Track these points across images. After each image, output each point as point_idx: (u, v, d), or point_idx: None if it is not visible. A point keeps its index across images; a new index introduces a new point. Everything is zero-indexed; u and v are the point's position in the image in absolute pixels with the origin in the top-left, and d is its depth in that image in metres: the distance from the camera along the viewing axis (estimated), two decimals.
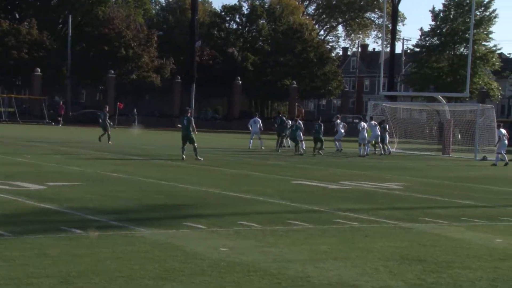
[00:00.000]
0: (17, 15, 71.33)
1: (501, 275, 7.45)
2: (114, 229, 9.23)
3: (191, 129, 22.46)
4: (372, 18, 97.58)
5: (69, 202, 11.54)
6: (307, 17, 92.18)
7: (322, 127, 30.64)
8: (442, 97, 39.36)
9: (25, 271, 6.64)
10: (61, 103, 59.40)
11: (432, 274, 7.33)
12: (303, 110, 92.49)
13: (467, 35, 59.31)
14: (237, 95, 70.95)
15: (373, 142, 32.13)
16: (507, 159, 27.77)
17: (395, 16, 65.96)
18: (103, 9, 69.98)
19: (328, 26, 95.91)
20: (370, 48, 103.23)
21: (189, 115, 23.11)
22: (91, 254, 7.56)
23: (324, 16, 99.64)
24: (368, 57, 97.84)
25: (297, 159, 26.75)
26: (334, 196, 14.26)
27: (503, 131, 28.80)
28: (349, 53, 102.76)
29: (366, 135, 30.80)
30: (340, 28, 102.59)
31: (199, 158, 22.34)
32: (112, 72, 63.68)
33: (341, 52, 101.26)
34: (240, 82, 69.75)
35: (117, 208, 11.21)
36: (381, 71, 40.18)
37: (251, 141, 32.56)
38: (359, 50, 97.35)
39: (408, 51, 78.61)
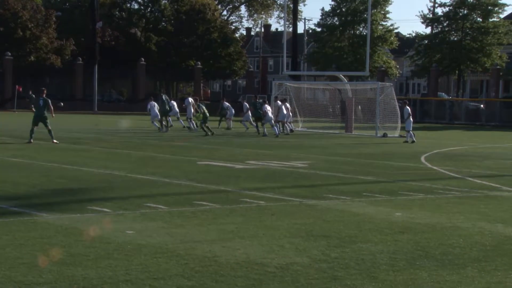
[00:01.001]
0: None
1: (400, 248, 7.77)
2: (15, 215, 8.96)
3: (45, 111, 21.84)
4: None
5: None
6: None
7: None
8: (344, 76, 40.30)
9: None
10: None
11: (336, 249, 7.56)
12: (209, 91, 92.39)
13: (365, 15, 60.82)
14: (141, 76, 69.87)
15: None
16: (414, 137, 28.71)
17: None
18: None
19: (231, 6, 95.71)
20: (273, 28, 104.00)
21: (44, 95, 22.38)
22: None
23: None
24: (271, 37, 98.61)
25: (203, 139, 26.75)
26: (240, 176, 14.38)
27: (409, 109, 29.95)
28: (252, 33, 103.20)
29: (270, 115, 31.25)
30: (243, 8, 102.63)
31: (55, 141, 21.68)
32: (9, 54, 61.23)
33: (244, 33, 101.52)
34: (144, 63, 68.76)
35: (19, 194, 10.87)
36: (284, 51, 40.63)
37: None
38: (262, 30, 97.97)
39: (310, 31, 79.85)
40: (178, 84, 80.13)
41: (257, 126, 31.44)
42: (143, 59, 68.87)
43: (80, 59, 66.09)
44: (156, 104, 31.77)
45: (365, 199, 11.58)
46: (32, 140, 21.49)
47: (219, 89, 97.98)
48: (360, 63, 60.05)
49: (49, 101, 22.08)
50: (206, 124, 29.19)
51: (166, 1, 76.65)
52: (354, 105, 36.75)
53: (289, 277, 6.36)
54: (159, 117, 31.28)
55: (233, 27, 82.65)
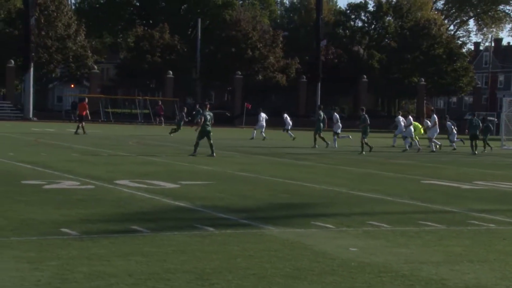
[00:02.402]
0: (150, 21, 74.53)
1: None
2: (244, 227, 9.38)
3: (209, 124, 22.22)
4: (507, 11, 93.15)
5: (201, 200, 11.87)
6: (436, 12, 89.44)
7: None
8: None
9: (162, 267, 6.89)
10: (160, 103, 60.00)
11: None
12: (432, 108, 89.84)
13: None
14: (363, 93, 70.12)
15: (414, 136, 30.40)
16: None
17: None
18: (230, 12, 71.65)
19: (459, 20, 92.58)
20: (504, 42, 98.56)
21: (207, 109, 22.94)
22: (223, 251, 7.72)
23: (454, 10, 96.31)
24: (502, 52, 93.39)
25: (427, 157, 25.98)
26: (467, 197, 13.71)
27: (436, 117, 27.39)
28: (481, 48, 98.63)
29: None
30: (471, 22, 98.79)
31: (214, 155, 21.96)
32: (239, 73, 64.95)
33: (472, 47, 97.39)
34: (366, 80, 68.88)
35: (246, 207, 11.39)
36: None
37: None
38: (492, 44, 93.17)
39: None
40: (401, 101, 79.06)
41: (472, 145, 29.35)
42: (365, 76, 69.07)
43: (304, 77, 68.08)
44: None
45: None
46: (195, 154, 21.94)
47: (443, 106, 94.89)
48: None
49: (211, 115, 22.59)
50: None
51: (390, 18, 76.23)
52: None
53: None
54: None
55: (460, 42, 79.77)
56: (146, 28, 67.15)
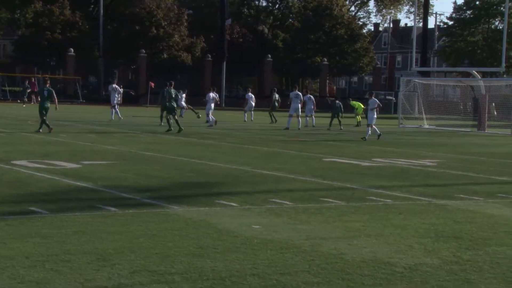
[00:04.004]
0: None
1: None
2: (148, 206, 9.31)
3: (48, 101, 22.13)
4: None
5: (104, 180, 11.67)
6: None
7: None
8: (477, 72, 38.70)
9: (62, 248, 6.74)
10: (33, 79, 56.51)
11: (468, 251, 7.25)
12: (335, 88, 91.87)
13: (502, 8, 58.05)
14: (267, 73, 70.76)
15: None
16: None
17: None
18: None
19: (359, 1, 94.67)
20: (402, 24, 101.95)
21: (47, 85, 22.90)
22: (125, 231, 7.64)
23: None
24: (400, 33, 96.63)
25: (329, 136, 26.63)
26: (366, 174, 14.17)
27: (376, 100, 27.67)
28: (380, 29, 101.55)
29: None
30: (371, 3, 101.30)
31: (41, 130, 22.02)
32: (144, 51, 63.97)
33: (372, 28, 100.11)
34: (271, 60, 69.50)
35: (151, 186, 11.30)
36: (413, 47, 39.66)
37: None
38: (391, 25, 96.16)
39: (441, 25, 77.38)
40: (304, 81, 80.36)
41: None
42: (269, 56, 69.66)
43: (209, 56, 67.89)
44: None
45: (500, 200, 11.04)
46: (41, 130, 22.07)
47: (345, 86, 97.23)
48: (495, 59, 57.49)
49: (53, 91, 22.50)
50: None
51: None
52: (488, 102, 35.21)
53: (418, 278, 6.17)
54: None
55: (361, 23, 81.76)
56: (45, 3, 64.75)
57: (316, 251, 7.03)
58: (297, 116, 30.56)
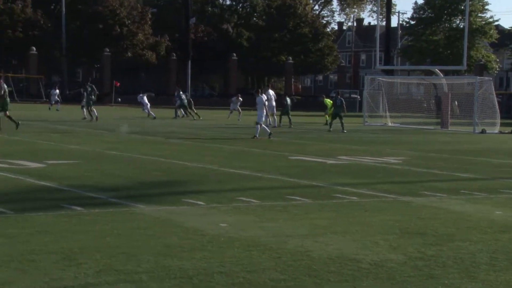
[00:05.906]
0: None
1: (501, 247, 7.47)
2: (114, 206, 9.24)
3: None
4: None
5: (69, 180, 11.54)
6: None
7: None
8: (439, 70, 39.25)
9: (27, 248, 6.66)
10: None
11: (432, 247, 7.36)
12: (300, 86, 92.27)
13: (462, 7, 58.95)
14: (233, 71, 70.75)
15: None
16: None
17: None
18: None
19: (323, 0, 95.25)
20: (365, 22, 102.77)
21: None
22: (91, 231, 7.57)
23: None
24: (363, 32, 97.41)
25: (295, 135, 26.74)
26: (332, 171, 14.27)
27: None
28: (344, 27, 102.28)
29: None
30: (335, 2, 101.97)
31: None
32: (108, 50, 63.40)
33: (336, 27, 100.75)
34: (236, 58, 69.49)
35: (116, 185, 11.21)
36: (377, 45, 39.99)
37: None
38: (355, 24, 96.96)
39: (404, 24, 78.30)
40: (270, 79, 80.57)
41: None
42: (234, 54, 69.65)
43: (174, 55, 67.59)
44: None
45: (463, 196, 11.22)
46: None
47: (310, 84, 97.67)
48: (457, 57, 58.37)
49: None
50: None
51: None
52: (450, 100, 35.74)
53: (383, 273, 6.24)
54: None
55: (325, 22, 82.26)
56: (6, 1, 63.68)
57: (282, 248, 7.06)
58: (272, 115, 30.62)
